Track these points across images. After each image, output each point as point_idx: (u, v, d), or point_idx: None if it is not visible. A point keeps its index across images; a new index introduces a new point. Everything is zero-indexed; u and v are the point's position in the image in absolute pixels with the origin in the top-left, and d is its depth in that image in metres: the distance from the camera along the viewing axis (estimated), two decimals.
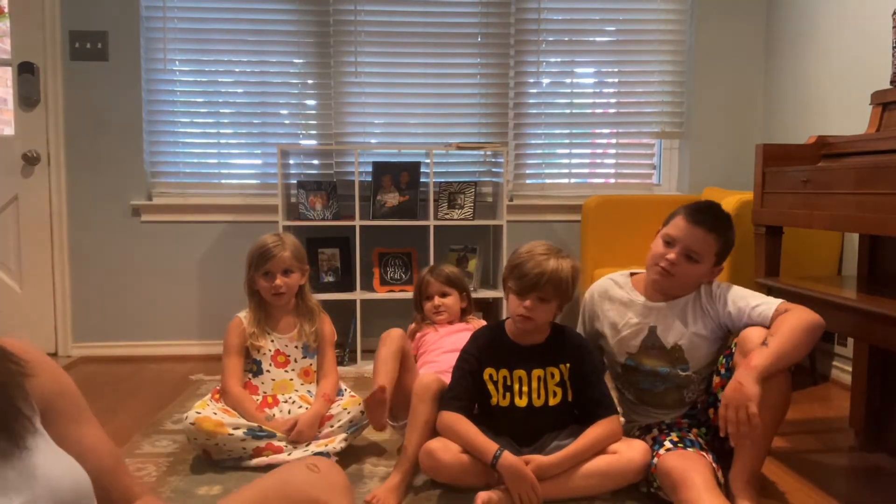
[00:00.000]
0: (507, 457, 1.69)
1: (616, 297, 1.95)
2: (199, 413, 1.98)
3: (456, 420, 1.78)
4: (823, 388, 2.82)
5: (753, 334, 1.69)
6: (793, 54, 3.31)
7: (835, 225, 1.88)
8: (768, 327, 1.70)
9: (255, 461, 1.95)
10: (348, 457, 2.03)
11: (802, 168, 2.04)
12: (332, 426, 2.04)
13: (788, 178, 2.07)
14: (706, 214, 1.84)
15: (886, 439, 2.18)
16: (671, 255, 1.81)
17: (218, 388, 2.16)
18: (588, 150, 3.70)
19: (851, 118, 2.78)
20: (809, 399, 2.68)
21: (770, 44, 3.51)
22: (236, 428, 1.95)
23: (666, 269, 1.82)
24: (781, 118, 3.41)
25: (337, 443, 2.00)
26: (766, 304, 1.75)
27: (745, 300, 1.80)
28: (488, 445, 1.72)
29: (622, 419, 1.93)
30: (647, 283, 1.92)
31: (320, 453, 1.94)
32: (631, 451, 1.77)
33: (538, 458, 1.73)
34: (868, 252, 2.23)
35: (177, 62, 3.43)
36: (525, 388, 1.81)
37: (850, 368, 2.47)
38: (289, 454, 1.96)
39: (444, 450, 1.75)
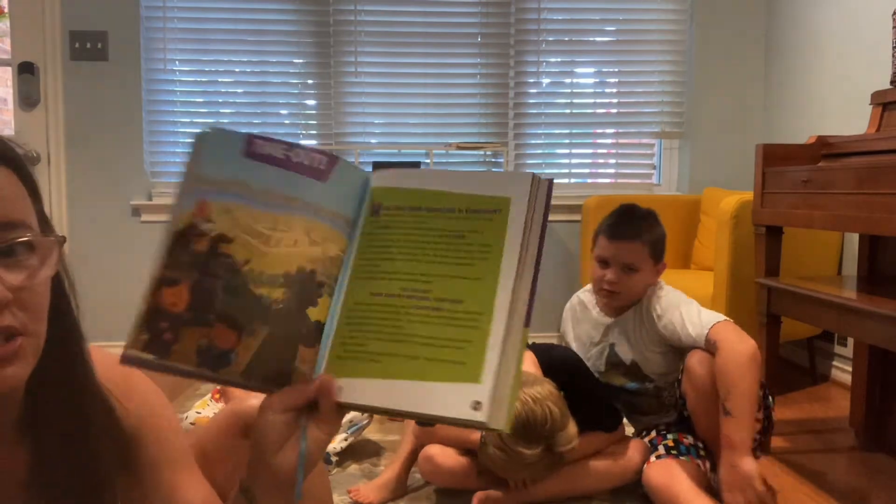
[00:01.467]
0: None
1: (580, 316, 1.97)
2: (199, 413, 1.99)
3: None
4: (823, 388, 2.82)
5: (698, 369, 1.67)
6: (793, 54, 3.31)
7: (835, 225, 1.88)
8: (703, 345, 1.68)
9: None
10: (348, 457, 2.03)
11: (802, 168, 2.04)
12: None
13: (788, 178, 2.07)
14: (623, 225, 1.84)
15: (886, 439, 2.18)
16: (610, 276, 1.81)
17: (218, 387, 2.15)
18: (588, 150, 3.70)
19: (851, 118, 2.78)
20: (809, 399, 2.68)
21: (770, 44, 3.51)
22: None
23: (609, 290, 1.83)
24: (781, 118, 3.42)
25: (337, 443, 2.00)
26: (698, 333, 1.69)
27: (674, 325, 1.75)
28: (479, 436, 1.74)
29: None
30: (600, 304, 1.93)
31: None
32: (630, 451, 1.77)
33: None
34: (868, 252, 2.23)
35: (177, 62, 3.43)
36: None
37: (850, 368, 2.47)
38: None
39: (442, 455, 1.76)
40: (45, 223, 0.64)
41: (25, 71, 3.26)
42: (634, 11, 3.57)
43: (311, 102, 3.50)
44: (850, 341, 2.72)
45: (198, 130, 0.61)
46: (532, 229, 0.59)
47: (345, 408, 0.59)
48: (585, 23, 3.57)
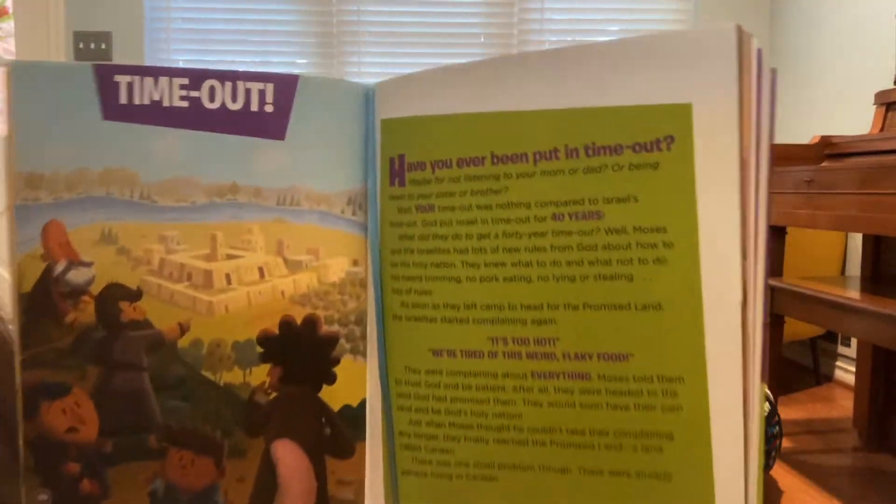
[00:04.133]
0: None
1: None
2: None
3: None
4: (827, 389, 2.82)
5: None
6: (796, 54, 3.31)
7: (838, 225, 1.88)
8: None
9: None
10: None
11: (805, 168, 2.04)
12: None
13: (791, 178, 2.07)
14: None
15: (890, 440, 2.18)
16: None
17: None
18: None
19: (855, 118, 2.77)
20: (812, 399, 2.68)
21: (773, 43, 3.51)
22: None
23: None
24: (784, 118, 3.41)
25: None
26: None
27: None
28: None
29: None
30: None
31: None
32: None
33: None
34: (872, 252, 2.23)
35: (180, 62, 3.44)
36: None
37: (853, 369, 2.47)
38: None
39: None
40: None
41: None
42: (637, 11, 3.57)
43: None
44: (854, 341, 2.72)
45: None
46: (758, 174, 0.29)
47: None
48: (588, 23, 3.57)
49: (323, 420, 0.33)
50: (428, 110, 0.33)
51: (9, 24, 3.34)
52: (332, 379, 0.33)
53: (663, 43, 0.29)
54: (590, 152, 0.29)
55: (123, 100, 0.32)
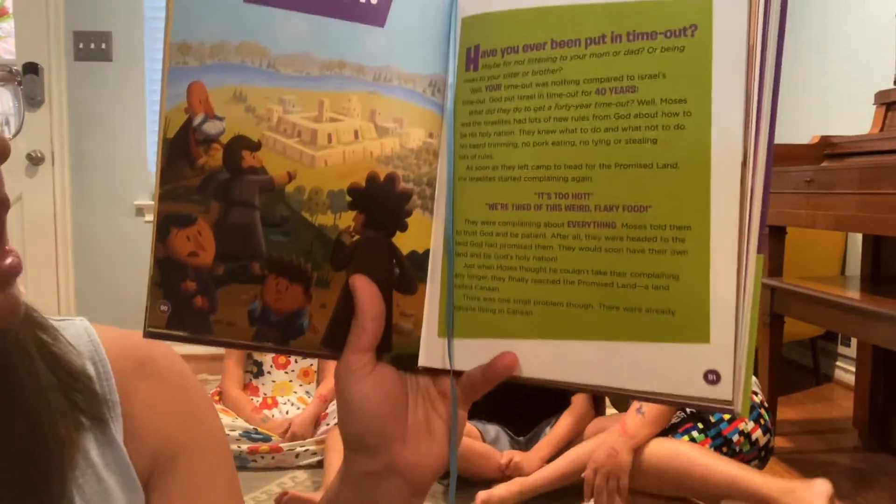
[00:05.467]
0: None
1: None
2: None
3: None
4: (827, 389, 2.82)
5: None
6: (796, 54, 3.31)
7: (838, 225, 1.88)
8: None
9: (263, 463, 1.98)
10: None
11: (806, 168, 2.04)
12: (328, 424, 2.05)
13: (792, 178, 2.07)
14: None
15: (890, 439, 2.18)
16: None
17: (218, 388, 2.18)
18: None
19: (855, 118, 2.77)
20: (813, 399, 2.67)
21: None
22: (232, 430, 1.98)
23: None
24: (784, 118, 3.41)
25: (316, 437, 2.05)
26: None
27: None
28: (490, 450, 1.76)
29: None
30: None
31: None
32: None
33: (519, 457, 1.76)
34: (871, 252, 2.23)
35: None
36: None
37: (853, 369, 2.47)
38: (292, 449, 1.98)
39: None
40: None
41: (30, 71, 3.27)
42: None
43: None
44: (854, 341, 2.72)
45: None
46: (765, 62, 0.38)
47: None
48: None
49: (393, 261, 0.41)
50: (501, 7, 0.39)
51: (9, 24, 3.34)
52: (404, 227, 0.40)
53: None
54: (630, 38, 0.36)
55: None
